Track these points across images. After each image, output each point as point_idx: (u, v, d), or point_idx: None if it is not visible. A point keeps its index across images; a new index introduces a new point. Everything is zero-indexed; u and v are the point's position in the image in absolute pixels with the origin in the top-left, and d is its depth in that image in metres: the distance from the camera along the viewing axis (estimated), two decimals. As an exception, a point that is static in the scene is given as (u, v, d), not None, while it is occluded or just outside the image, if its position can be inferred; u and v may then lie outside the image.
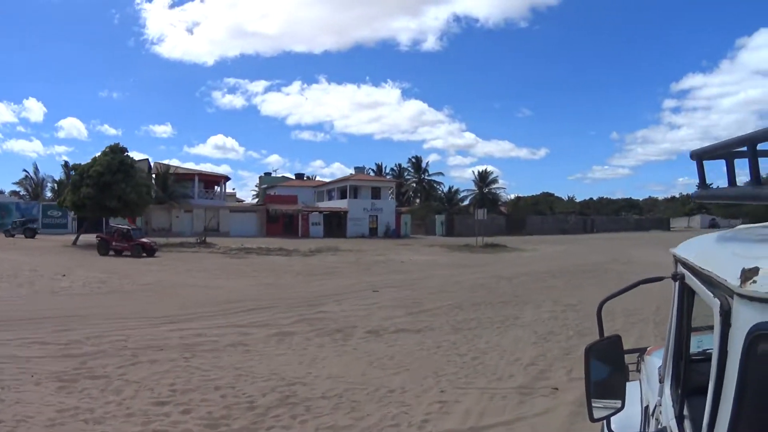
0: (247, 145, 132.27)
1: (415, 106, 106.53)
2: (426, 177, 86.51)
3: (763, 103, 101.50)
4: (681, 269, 1.95)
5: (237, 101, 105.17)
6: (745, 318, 1.12)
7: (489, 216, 75.27)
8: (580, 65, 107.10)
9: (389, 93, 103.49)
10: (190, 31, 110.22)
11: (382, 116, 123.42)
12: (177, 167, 57.47)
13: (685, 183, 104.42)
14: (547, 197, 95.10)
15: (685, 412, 1.78)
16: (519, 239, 54.99)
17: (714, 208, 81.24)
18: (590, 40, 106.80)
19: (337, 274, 22.72)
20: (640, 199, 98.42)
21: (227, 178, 62.87)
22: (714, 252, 1.61)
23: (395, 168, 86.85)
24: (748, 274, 1.12)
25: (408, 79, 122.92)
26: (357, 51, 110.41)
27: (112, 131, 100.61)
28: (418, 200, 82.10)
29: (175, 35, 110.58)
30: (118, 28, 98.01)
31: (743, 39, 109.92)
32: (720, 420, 1.19)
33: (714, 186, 1.78)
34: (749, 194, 1.38)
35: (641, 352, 3.50)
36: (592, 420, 2.11)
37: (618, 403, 2.13)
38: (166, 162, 58.08)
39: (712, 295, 1.34)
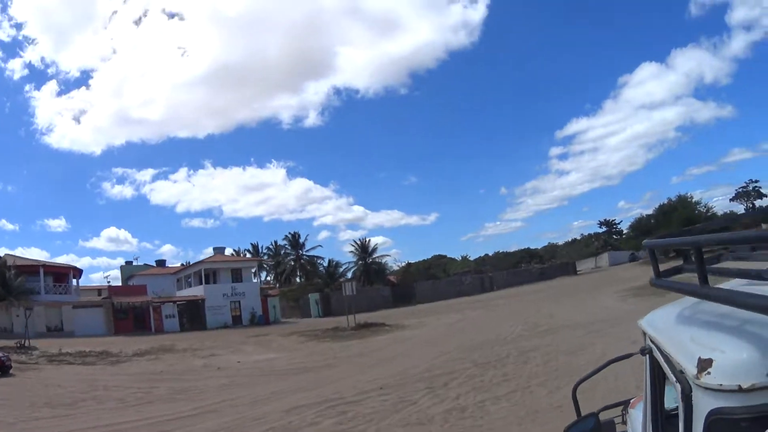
0: (140, 236, 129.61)
1: (302, 184, 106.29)
2: (303, 253, 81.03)
3: (649, 137, 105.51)
4: (649, 343, 2.08)
5: (126, 191, 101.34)
6: (703, 404, 1.32)
7: (373, 288, 69.74)
8: (462, 126, 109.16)
9: (274, 173, 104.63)
10: (77, 119, 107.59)
11: (270, 197, 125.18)
12: (17, 257, 49.18)
13: (580, 226, 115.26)
14: (439, 260, 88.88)
15: None
16: (406, 311, 48.02)
17: (621, 243, 79.68)
18: (471, 99, 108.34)
19: (97, 401, 15.62)
20: (539, 248, 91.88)
21: (78, 270, 55.40)
22: (675, 333, 1.74)
23: (271, 246, 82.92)
24: (704, 365, 1.31)
25: (292, 158, 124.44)
26: (240, 132, 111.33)
27: (10, 226, 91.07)
28: (299, 279, 78.24)
29: (62, 124, 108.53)
30: (8, 118, 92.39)
31: (625, 77, 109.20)
32: None
33: None
34: (699, 293, 1.58)
35: (625, 405, 3.53)
36: None
37: None
38: (5, 252, 50.03)
39: (674, 378, 1.54)
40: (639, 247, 70.58)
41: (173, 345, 32.39)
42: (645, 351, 2.13)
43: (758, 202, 72.90)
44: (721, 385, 1.28)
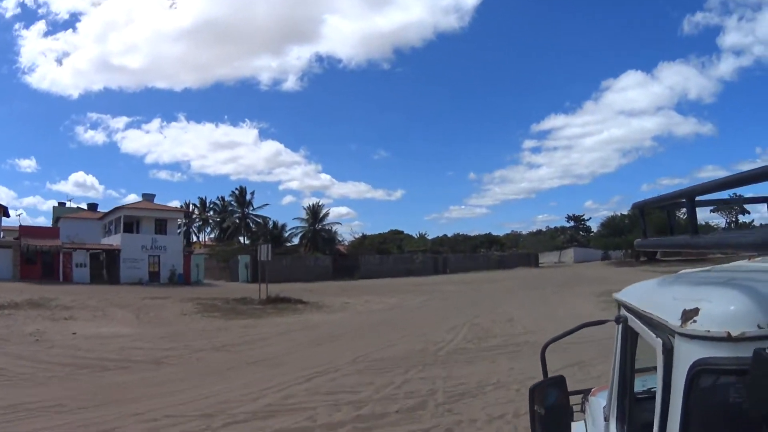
0: (107, 184, 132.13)
1: (272, 146, 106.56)
2: (249, 211, 75.29)
3: (625, 142, 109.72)
4: (624, 313, 2.06)
5: (99, 137, 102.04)
6: (686, 355, 1.23)
7: (312, 257, 61.89)
8: (440, 108, 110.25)
9: (247, 133, 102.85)
10: (59, 61, 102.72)
11: (239, 156, 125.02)
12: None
13: (545, 220, 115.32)
14: (396, 235, 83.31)
15: None
16: (341, 287, 40.86)
17: (593, 241, 74.91)
18: (452, 82, 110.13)
19: None
20: (501, 235, 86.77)
21: (2, 207, 48.32)
22: (655, 296, 1.72)
23: (218, 202, 77.72)
24: (689, 315, 1.25)
25: (266, 119, 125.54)
26: (217, 89, 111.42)
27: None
28: (244, 240, 72.88)
29: (45, 65, 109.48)
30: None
31: (609, 81, 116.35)
32: None
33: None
34: (687, 243, 1.53)
35: (585, 393, 3.46)
36: None
37: None
38: None
39: (654, 335, 1.46)
40: (609, 246, 66.53)
41: (55, 299, 25.77)
42: (620, 319, 2.09)
43: (741, 217, 68.21)
44: (708, 331, 1.19)
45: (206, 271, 52.58)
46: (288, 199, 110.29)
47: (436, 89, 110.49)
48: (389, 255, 61.88)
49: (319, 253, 62.27)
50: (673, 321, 1.31)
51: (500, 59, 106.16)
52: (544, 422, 2.18)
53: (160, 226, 49.15)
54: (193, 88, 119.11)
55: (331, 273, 54.81)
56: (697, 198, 1.50)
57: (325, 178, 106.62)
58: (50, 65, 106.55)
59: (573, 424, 2.47)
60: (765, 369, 0.93)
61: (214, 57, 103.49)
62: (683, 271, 2.10)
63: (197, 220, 79.28)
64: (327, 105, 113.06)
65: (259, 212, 75.53)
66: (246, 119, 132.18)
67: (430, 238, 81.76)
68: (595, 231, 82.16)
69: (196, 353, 13.55)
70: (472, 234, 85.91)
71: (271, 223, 73.79)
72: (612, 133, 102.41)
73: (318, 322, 19.91)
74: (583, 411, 3.36)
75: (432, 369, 10.68)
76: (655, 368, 1.44)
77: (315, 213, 72.97)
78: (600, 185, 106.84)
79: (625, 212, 63.48)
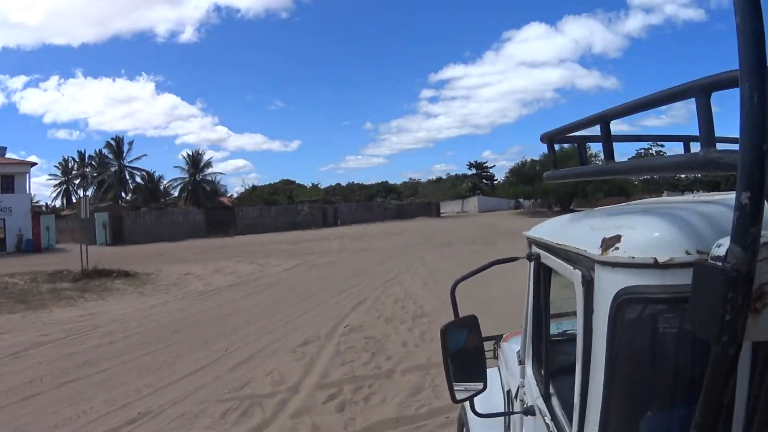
0: (8, 147, 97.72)
1: (169, 100, 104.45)
2: (126, 164, 64.97)
3: (525, 93, 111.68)
4: (536, 250, 1.96)
5: None
6: (609, 285, 1.13)
7: (180, 212, 50.13)
8: (338, 57, 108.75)
9: (143, 86, 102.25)
10: None
11: (136, 111, 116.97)
12: None
13: (443, 169, 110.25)
14: (287, 185, 76.59)
15: (551, 390, 1.81)
16: (207, 245, 33.73)
17: (500, 189, 69.65)
18: (351, 32, 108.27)
19: None
20: (398, 183, 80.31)
21: None
22: (570, 230, 1.62)
23: (95, 155, 67.72)
24: (610, 242, 1.14)
25: (163, 72, 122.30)
26: (114, 43, 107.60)
27: None
28: (128, 196, 64.39)
29: None
30: None
31: (511, 32, 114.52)
32: (592, 390, 1.19)
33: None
34: (602, 170, 1.45)
35: (497, 339, 3.48)
36: (455, 401, 2.09)
37: (479, 385, 2.09)
38: None
39: (572, 268, 1.35)
40: (519, 194, 60.66)
41: None
42: (531, 257, 1.99)
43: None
44: (632, 258, 1.08)
45: (69, 233, 42.92)
46: (185, 153, 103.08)
47: (334, 38, 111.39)
48: (271, 207, 52.71)
49: (194, 207, 52.27)
50: (593, 250, 1.19)
51: (400, 8, 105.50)
52: (459, 362, 2.05)
53: (7, 184, 39.68)
54: (90, 43, 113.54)
55: (205, 229, 45.64)
56: (614, 133, 1.41)
57: (222, 130, 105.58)
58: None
59: (487, 371, 2.24)
60: (708, 283, 0.77)
61: (112, 9, 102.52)
62: (596, 209, 1.85)
63: (77, 176, 68.97)
64: (225, 56, 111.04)
65: (137, 164, 65.46)
66: (142, 73, 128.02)
67: (323, 187, 74.13)
68: (499, 180, 78.60)
69: None
70: (369, 183, 80.00)
71: (148, 175, 64.07)
72: (513, 83, 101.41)
73: (110, 318, 11.36)
74: (495, 357, 3.31)
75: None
76: (570, 313, 1.42)
77: (195, 162, 63.21)
78: (499, 135, 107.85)
79: (536, 158, 58.10)
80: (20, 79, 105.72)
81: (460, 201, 70.98)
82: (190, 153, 64.66)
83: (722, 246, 0.79)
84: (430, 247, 23.64)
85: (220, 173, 72.05)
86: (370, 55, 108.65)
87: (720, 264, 0.75)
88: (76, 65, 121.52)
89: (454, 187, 71.82)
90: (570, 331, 1.87)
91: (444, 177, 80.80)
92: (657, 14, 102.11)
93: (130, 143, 65.69)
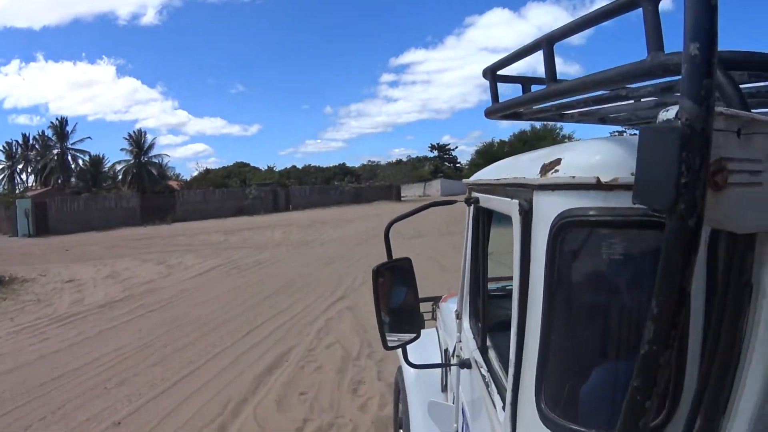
0: None
1: (129, 83, 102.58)
2: (69, 146, 58.81)
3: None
4: (475, 194, 1.87)
5: None
6: (548, 209, 1.04)
7: (115, 197, 43.85)
8: (299, 40, 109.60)
9: (104, 70, 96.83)
10: None
11: (96, 95, 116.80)
12: None
13: (402, 153, 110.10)
14: (241, 168, 71.46)
15: (488, 343, 1.77)
16: (130, 236, 28.00)
17: (468, 172, 65.18)
18: (313, 14, 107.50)
19: None
20: (357, 166, 75.09)
21: None
22: (509, 166, 1.54)
23: (38, 137, 60.77)
24: (549, 166, 1.06)
25: (123, 55, 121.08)
26: (75, 25, 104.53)
27: None
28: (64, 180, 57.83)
29: None
30: None
31: (473, 17, 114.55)
32: (530, 324, 1.09)
33: None
34: (549, 92, 1.24)
35: (436, 300, 3.43)
36: (386, 348, 2.00)
37: (413, 335, 2.01)
38: None
39: (510, 199, 1.26)
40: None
41: None
42: (470, 201, 1.90)
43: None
44: (573, 177, 0.99)
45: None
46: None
47: (296, 22, 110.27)
48: (216, 190, 46.87)
49: (137, 191, 46.19)
50: (532, 176, 1.11)
51: None
52: (391, 306, 1.97)
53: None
54: (51, 26, 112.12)
55: (140, 216, 39.78)
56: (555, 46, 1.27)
57: (182, 114, 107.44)
58: None
59: (423, 332, 2.18)
60: (659, 143, 0.68)
61: None
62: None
63: (20, 161, 61.51)
64: (186, 39, 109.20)
65: (80, 146, 59.90)
66: (103, 56, 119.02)
67: (278, 170, 69.14)
68: (462, 163, 76.44)
69: None
70: (325, 166, 74.94)
71: (91, 159, 57.73)
72: (473, 68, 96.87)
73: None
74: (434, 318, 3.28)
75: None
76: (508, 278, 1.31)
77: (138, 143, 57.57)
78: (459, 120, 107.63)
79: (506, 139, 54.32)
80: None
81: (422, 184, 66.51)
82: (133, 133, 58.78)
83: (670, 110, 0.71)
84: (394, 239, 18.87)
85: (166, 155, 66.65)
86: (331, 39, 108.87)
87: (671, 123, 0.67)
88: (37, 48, 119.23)
89: (415, 170, 67.03)
90: (509, 287, 1.81)
91: (404, 160, 75.97)
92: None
93: (75, 125, 59.56)
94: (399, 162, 73.10)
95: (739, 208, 0.72)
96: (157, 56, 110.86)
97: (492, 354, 1.70)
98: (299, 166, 75.36)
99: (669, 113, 0.71)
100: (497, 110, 1.66)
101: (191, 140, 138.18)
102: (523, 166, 1.28)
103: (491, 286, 2.27)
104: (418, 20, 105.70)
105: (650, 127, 0.72)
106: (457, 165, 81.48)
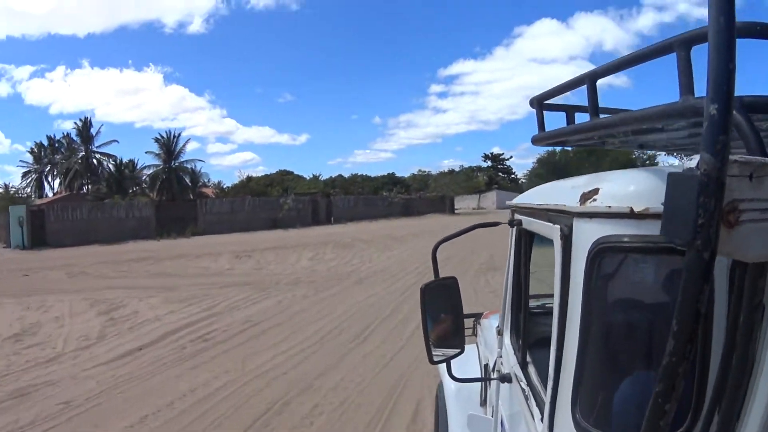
0: (12, 137, 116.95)
1: (177, 91, 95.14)
2: (94, 148, 52.99)
3: (534, 89, 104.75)
4: (518, 216, 1.94)
5: (2, 88, 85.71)
6: (586, 235, 1.13)
7: (126, 205, 37.08)
8: (347, 50, 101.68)
9: (151, 78, 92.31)
10: None
11: (143, 102, 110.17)
12: None
13: (451, 164, 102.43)
14: (284, 176, 66.13)
15: (528, 358, 1.82)
16: (131, 253, 22.49)
17: (529, 183, 56.93)
18: (362, 24, 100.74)
19: None
20: (407, 176, 68.68)
21: None
22: (552, 193, 1.61)
23: (63, 140, 55.69)
24: (588, 195, 1.15)
25: (171, 63, 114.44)
26: (121, 33, 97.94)
27: None
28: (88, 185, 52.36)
29: None
30: None
31: (522, 27, 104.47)
32: (568, 342, 1.18)
33: None
34: (591, 126, 1.43)
35: (477, 316, 3.44)
36: (432, 362, 2.10)
37: (457, 350, 2.12)
38: None
39: (551, 224, 1.35)
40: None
41: None
42: (513, 222, 1.96)
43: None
44: (609, 207, 1.09)
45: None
46: (192, 145, 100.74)
47: (344, 31, 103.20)
48: (246, 199, 41.08)
49: (144, 197, 41.16)
50: (571, 204, 1.21)
51: (410, 1, 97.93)
52: (437, 321, 2.10)
53: None
54: (97, 33, 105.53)
55: (155, 227, 34.51)
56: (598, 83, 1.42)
57: (230, 123, 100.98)
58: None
59: (466, 347, 2.25)
60: (681, 189, 0.80)
61: None
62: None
63: (47, 164, 56.83)
64: (233, 48, 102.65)
65: (105, 149, 53.49)
66: (150, 63, 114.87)
67: (324, 178, 62.90)
68: (516, 174, 70.86)
69: None
70: (374, 175, 68.27)
71: (115, 162, 52.31)
72: (522, 80, 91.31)
73: None
74: (475, 334, 3.29)
75: None
76: (549, 295, 1.36)
77: (168, 148, 51.06)
78: (507, 132, 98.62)
79: (568, 149, 47.07)
80: (26, 69, 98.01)
81: (476, 196, 59.91)
82: (163, 136, 52.10)
83: (693, 159, 0.81)
84: (464, 269, 12.42)
85: (200, 160, 60.68)
86: (379, 49, 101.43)
87: (692, 172, 0.77)
88: (82, 55, 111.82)
89: (469, 180, 60.26)
90: (549, 305, 1.78)
91: (456, 169, 69.19)
92: (669, 12, 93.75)
93: (101, 127, 54.80)
94: (451, 172, 66.17)
95: (749, 241, 0.81)
96: (205, 64, 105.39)
97: (531, 369, 1.74)
98: (347, 176, 69.97)
99: (692, 162, 0.79)
100: (543, 138, 1.78)
101: (239, 149, 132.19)
102: (563, 194, 1.34)
103: (532, 303, 2.22)
104: (466, 31, 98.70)
105: (676, 173, 0.81)
106: (512, 176, 74.79)
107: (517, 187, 70.74)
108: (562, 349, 1.20)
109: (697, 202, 0.73)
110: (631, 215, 1.04)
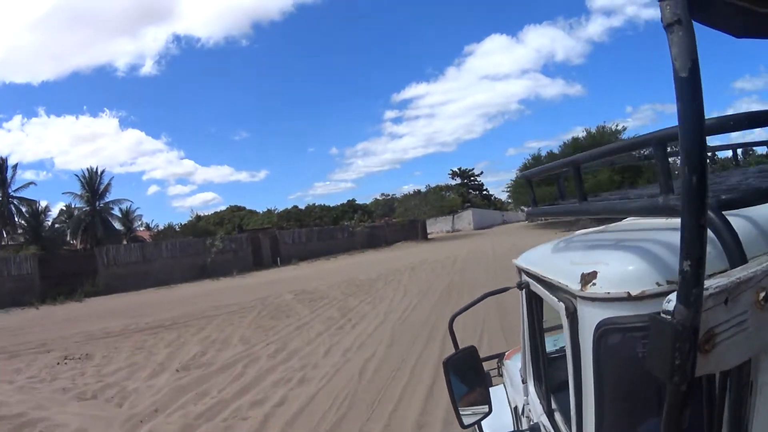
0: None
1: (133, 135, 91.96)
2: (11, 192, 42.26)
3: (490, 107, 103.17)
4: (525, 278, 1.98)
5: None
6: (590, 317, 1.20)
7: (4, 258, 30.07)
8: (298, 83, 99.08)
9: (107, 123, 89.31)
10: None
11: (101, 148, 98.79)
12: None
13: (411, 189, 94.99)
14: (235, 212, 59.73)
15: (553, 406, 1.86)
16: None
17: (514, 197, 49.10)
18: (312, 56, 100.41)
19: None
20: (369, 203, 59.74)
21: None
22: (554, 261, 1.66)
23: None
24: (588, 278, 1.21)
25: (125, 107, 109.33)
26: (74, 79, 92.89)
27: None
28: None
29: None
30: None
31: (472, 46, 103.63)
32: (586, 409, 1.26)
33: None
34: (576, 210, 1.57)
35: (500, 357, 3.45)
36: (463, 427, 2.16)
37: (485, 408, 2.19)
38: None
39: (557, 299, 1.41)
40: (527, 203, 42.53)
41: None
42: (522, 285, 1.99)
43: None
44: (608, 293, 1.15)
45: None
46: (153, 188, 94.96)
47: (295, 64, 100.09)
48: (162, 244, 31.31)
49: (34, 249, 31.11)
50: (574, 285, 1.27)
51: (359, 29, 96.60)
52: (463, 391, 2.14)
53: None
54: (50, 80, 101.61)
55: (39, 287, 25.10)
56: (583, 167, 1.52)
57: (189, 163, 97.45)
58: None
59: (493, 389, 2.42)
60: (660, 334, 0.85)
61: (70, 44, 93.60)
62: (578, 233, 1.90)
63: None
64: (186, 88, 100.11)
65: (22, 193, 42.96)
66: (105, 108, 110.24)
67: (277, 211, 54.65)
68: (488, 190, 64.83)
69: None
70: (332, 205, 59.68)
71: (31, 208, 41.09)
72: (476, 98, 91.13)
73: None
74: (500, 375, 3.33)
75: None
76: (562, 327, 1.45)
77: (90, 186, 41.49)
78: (465, 152, 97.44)
79: (555, 151, 39.93)
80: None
81: (449, 217, 51.64)
82: (85, 174, 42.41)
83: (671, 302, 0.84)
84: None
85: (127, 200, 49.50)
86: (332, 80, 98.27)
87: (669, 318, 0.82)
88: (38, 103, 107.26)
89: (440, 200, 51.73)
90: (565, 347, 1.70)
91: (423, 189, 60.72)
92: (618, 16, 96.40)
93: (15, 167, 42.53)
94: (418, 193, 57.84)
95: (725, 356, 0.85)
96: (159, 106, 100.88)
97: (558, 417, 1.79)
98: (303, 207, 61.05)
99: (670, 304, 0.83)
100: (535, 213, 1.96)
101: (199, 189, 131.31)
102: (565, 269, 1.40)
103: (551, 348, 2.33)
104: (417, 54, 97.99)
105: (656, 318, 0.84)
106: (484, 192, 67.20)
107: (491, 204, 62.57)
108: (581, 417, 1.28)
109: (673, 346, 0.79)
110: (629, 298, 1.10)
